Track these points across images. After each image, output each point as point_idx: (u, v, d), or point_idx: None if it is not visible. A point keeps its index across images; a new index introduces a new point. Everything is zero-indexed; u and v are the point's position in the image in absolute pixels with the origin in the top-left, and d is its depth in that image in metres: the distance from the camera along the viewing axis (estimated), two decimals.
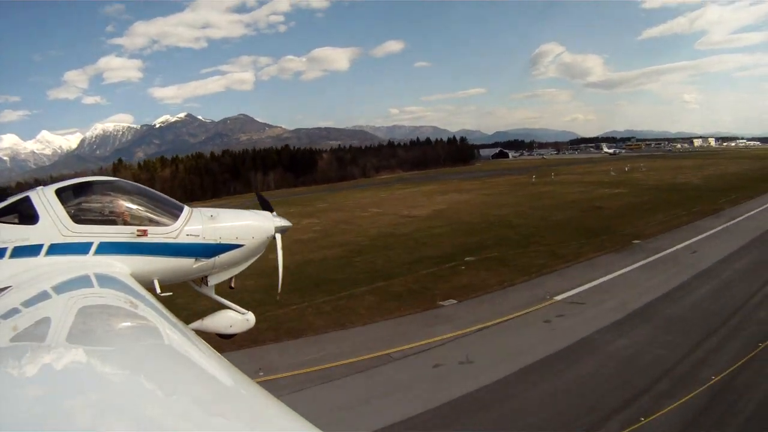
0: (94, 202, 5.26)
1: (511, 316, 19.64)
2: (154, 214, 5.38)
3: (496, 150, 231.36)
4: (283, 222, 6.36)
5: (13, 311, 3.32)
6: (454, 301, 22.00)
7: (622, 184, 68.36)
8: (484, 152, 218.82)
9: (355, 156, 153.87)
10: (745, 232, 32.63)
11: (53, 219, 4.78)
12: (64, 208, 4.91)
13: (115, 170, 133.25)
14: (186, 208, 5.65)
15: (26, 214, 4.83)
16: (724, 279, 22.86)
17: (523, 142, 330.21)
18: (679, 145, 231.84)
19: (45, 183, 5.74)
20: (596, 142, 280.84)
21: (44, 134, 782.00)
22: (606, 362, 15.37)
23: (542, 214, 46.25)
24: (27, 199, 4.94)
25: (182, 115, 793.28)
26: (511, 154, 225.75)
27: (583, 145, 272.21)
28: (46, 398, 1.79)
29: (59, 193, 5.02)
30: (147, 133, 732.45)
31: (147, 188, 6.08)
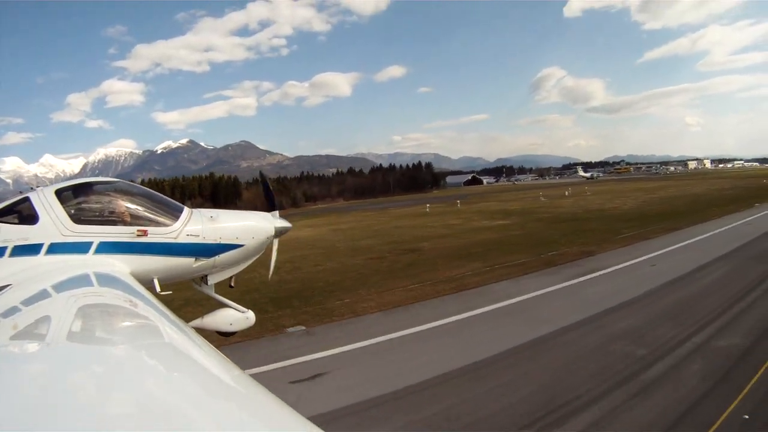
0: (94, 203, 5.18)
1: None
2: (154, 215, 5.29)
3: (468, 177, 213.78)
4: (284, 223, 6.29)
5: (13, 309, 3.25)
6: None
7: (522, 214, 52.26)
8: (451, 179, 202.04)
9: (286, 186, 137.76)
10: (531, 322, 15.05)
11: (53, 219, 4.73)
12: (64, 208, 4.84)
13: None
14: (186, 209, 5.56)
15: (26, 214, 4.78)
16: None
17: (517, 168, 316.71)
18: (672, 168, 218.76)
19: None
20: (593, 166, 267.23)
21: (47, 158, 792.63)
22: None
23: (314, 263, 30.21)
24: (27, 200, 4.88)
25: (184, 140, 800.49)
26: (486, 180, 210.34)
27: (572, 170, 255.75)
28: (46, 396, 1.73)
29: (59, 193, 4.96)
30: (148, 159, 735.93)
31: (147, 189, 5.97)
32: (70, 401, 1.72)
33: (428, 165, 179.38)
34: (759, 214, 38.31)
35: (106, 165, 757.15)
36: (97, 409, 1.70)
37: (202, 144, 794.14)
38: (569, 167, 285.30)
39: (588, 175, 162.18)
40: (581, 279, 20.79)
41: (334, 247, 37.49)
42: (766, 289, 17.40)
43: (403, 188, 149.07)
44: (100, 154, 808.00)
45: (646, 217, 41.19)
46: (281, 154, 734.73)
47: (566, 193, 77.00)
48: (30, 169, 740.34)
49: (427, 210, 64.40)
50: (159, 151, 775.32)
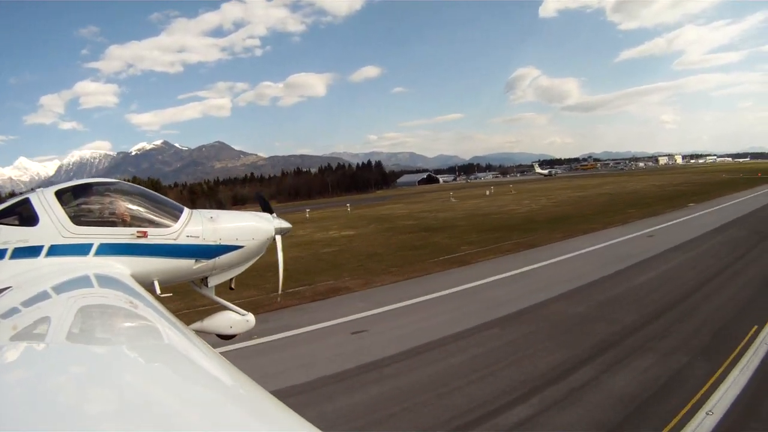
0: (94, 204, 4.97)
1: None
2: (154, 216, 5.05)
3: (423, 175, 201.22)
4: (283, 224, 5.91)
5: (13, 311, 3.19)
6: None
7: (390, 221, 41.63)
8: (404, 179, 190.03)
9: (212, 189, 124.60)
10: None
11: (53, 220, 4.53)
12: (64, 209, 4.63)
13: None
14: (186, 210, 5.29)
15: (26, 216, 4.59)
16: None
17: (485, 165, 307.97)
18: (642, 164, 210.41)
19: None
20: (561, 163, 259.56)
21: (22, 161, 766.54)
22: None
23: None
24: (27, 201, 4.68)
25: (159, 142, 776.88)
26: (443, 179, 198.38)
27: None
28: (45, 397, 1.72)
29: (59, 195, 4.75)
30: (123, 161, 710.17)
31: (147, 190, 5.64)
32: (69, 401, 1.71)
33: (378, 164, 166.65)
34: (677, 221, 26.32)
35: (80, 167, 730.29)
36: (96, 409, 1.68)
37: (177, 145, 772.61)
38: (542, 165, 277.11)
39: (545, 172, 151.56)
40: None
41: None
42: None
43: (344, 189, 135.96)
44: (74, 156, 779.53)
45: (528, 224, 30.58)
46: (256, 155, 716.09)
47: (487, 192, 64.95)
48: (4, 172, 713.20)
49: (307, 216, 52.46)
50: (133, 153, 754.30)
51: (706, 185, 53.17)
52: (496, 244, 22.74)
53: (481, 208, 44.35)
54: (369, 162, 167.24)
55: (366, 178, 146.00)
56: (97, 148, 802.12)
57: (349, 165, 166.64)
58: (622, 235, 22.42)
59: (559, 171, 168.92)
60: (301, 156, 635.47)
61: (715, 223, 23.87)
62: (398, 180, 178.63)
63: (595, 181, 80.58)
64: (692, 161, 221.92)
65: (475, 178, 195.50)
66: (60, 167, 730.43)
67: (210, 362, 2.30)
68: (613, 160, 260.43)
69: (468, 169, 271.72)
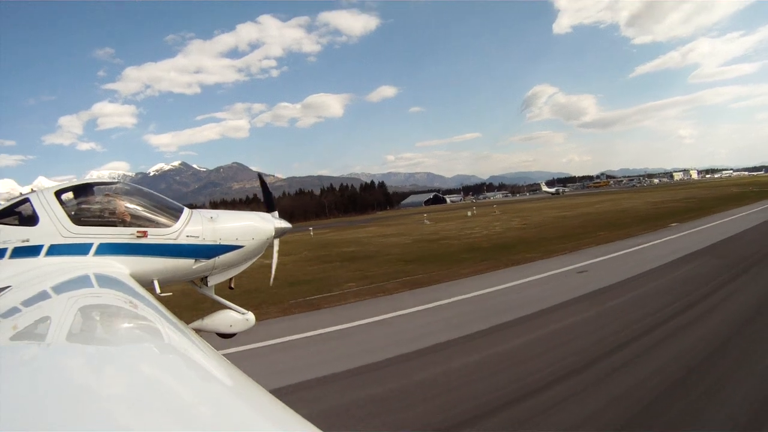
0: (94, 204, 5.07)
1: None
2: (154, 216, 5.14)
3: (430, 196, 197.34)
4: (284, 224, 6.09)
5: (13, 310, 3.20)
6: None
7: (330, 246, 37.00)
8: (410, 199, 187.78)
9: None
10: None
11: (53, 220, 4.62)
12: (64, 209, 4.74)
13: None
14: (186, 210, 5.39)
15: (26, 216, 4.72)
16: None
17: (498, 185, 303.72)
18: (656, 180, 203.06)
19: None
20: (575, 181, 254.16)
21: (41, 180, 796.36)
22: None
23: None
24: (26, 201, 4.81)
25: (177, 163, 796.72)
26: (450, 198, 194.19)
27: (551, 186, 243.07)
28: (45, 397, 1.73)
29: (59, 194, 4.87)
30: (141, 182, 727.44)
31: (147, 190, 5.76)
32: (69, 402, 1.71)
33: (381, 184, 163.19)
34: (637, 247, 21.02)
35: None
36: (96, 409, 1.68)
37: (195, 166, 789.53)
38: (549, 184, 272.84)
39: (552, 190, 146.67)
40: None
41: None
42: None
43: (343, 210, 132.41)
44: (93, 176, 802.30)
45: (463, 253, 25.00)
46: (274, 176, 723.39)
47: (468, 213, 60.37)
48: (23, 192, 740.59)
49: None
50: (152, 174, 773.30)
51: (708, 200, 47.53)
52: (385, 282, 17.96)
53: (442, 231, 39.60)
54: (372, 183, 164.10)
55: (366, 199, 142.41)
56: (115, 169, 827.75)
57: (352, 185, 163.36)
58: (551, 269, 17.29)
59: (567, 189, 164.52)
60: (320, 177, 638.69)
61: (683, 251, 18.51)
62: (404, 201, 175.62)
63: (593, 199, 75.77)
64: (707, 176, 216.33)
65: (484, 198, 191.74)
66: None
67: (210, 362, 2.25)
68: (627, 176, 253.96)
69: (478, 188, 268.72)
